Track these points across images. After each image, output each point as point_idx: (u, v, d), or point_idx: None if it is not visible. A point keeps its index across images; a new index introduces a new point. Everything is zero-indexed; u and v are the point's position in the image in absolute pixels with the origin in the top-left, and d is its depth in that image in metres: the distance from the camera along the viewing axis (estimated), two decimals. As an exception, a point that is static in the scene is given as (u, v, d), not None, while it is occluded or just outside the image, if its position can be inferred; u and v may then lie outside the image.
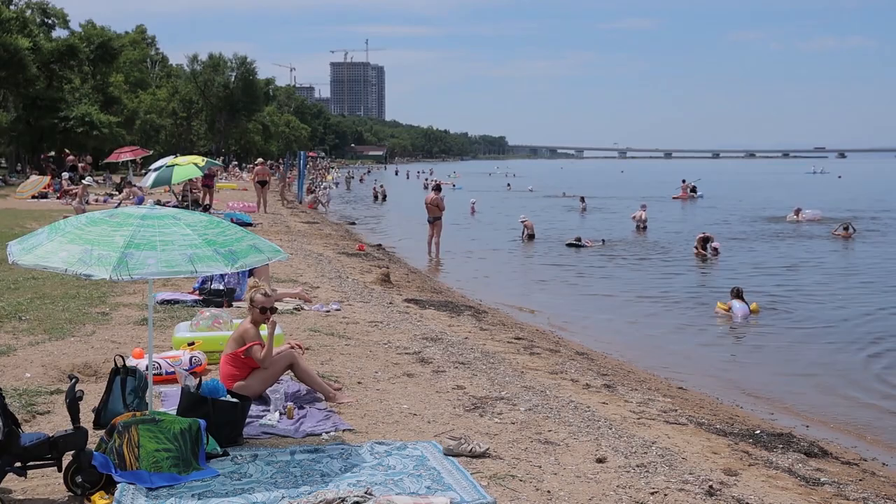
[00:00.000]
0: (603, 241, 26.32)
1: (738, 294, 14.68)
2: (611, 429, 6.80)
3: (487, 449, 5.93)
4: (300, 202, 40.78)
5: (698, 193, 53.71)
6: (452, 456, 5.79)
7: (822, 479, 6.10)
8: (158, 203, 16.11)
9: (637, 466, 5.84)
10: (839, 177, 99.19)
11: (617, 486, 5.42)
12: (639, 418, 7.38)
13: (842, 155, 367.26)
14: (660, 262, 22.34)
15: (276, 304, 10.33)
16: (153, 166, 24.95)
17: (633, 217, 32.19)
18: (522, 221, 28.19)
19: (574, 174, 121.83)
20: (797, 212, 34.91)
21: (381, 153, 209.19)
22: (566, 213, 40.43)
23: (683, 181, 55.15)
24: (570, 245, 25.40)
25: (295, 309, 11.20)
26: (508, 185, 72.59)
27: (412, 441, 6.15)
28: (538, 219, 32.95)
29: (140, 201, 26.52)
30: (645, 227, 31.01)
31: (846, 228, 27.85)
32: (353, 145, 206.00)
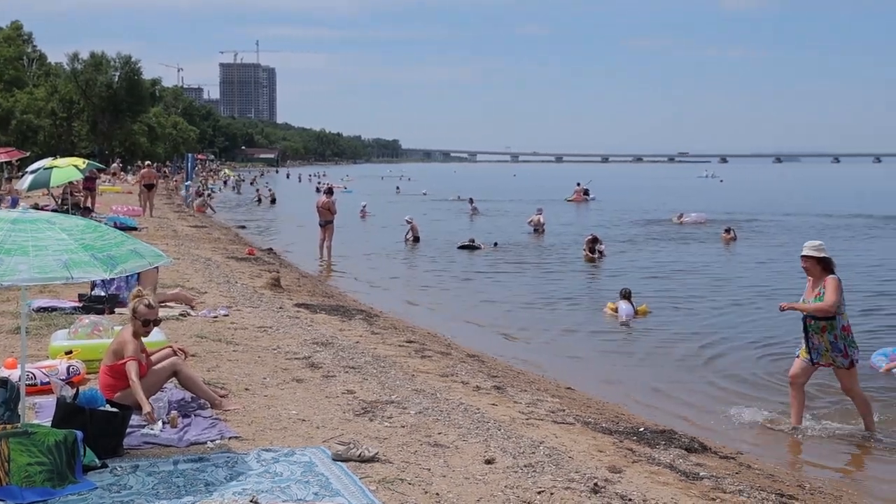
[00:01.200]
0: (495, 243, 26.59)
1: (626, 295, 15.05)
2: (500, 430, 6.86)
3: (377, 453, 5.90)
4: (188, 206, 39.90)
5: (591, 196, 54.87)
6: (341, 461, 5.74)
7: (701, 474, 6.29)
8: (35, 207, 15.47)
9: (525, 466, 5.90)
10: (721, 181, 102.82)
11: (505, 487, 5.47)
12: (527, 419, 7.47)
13: (723, 160, 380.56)
14: (553, 265, 22.73)
15: (161, 311, 10.07)
16: (30, 168, 23.99)
17: (530, 221, 32.58)
18: (408, 221, 28.17)
19: (467, 178, 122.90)
20: (680, 216, 36.08)
21: (272, 156, 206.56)
22: (459, 216, 40.75)
23: (578, 184, 56.27)
24: (462, 247, 25.58)
25: (181, 315, 10.93)
26: (398, 188, 72.69)
27: (300, 447, 6.07)
28: (432, 222, 33.14)
29: (14, 203, 25.44)
30: (542, 231, 31.46)
31: (728, 231, 28.88)
32: (243, 148, 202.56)
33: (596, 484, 5.61)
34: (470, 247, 25.51)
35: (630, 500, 5.40)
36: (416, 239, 27.60)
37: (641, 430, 7.70)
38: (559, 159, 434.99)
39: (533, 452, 6.27)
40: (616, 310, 14.90)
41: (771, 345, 12.64)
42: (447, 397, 7.93)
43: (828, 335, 8.28)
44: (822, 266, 8.34)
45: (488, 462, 5.95)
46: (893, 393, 10.13)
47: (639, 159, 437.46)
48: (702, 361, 11.84)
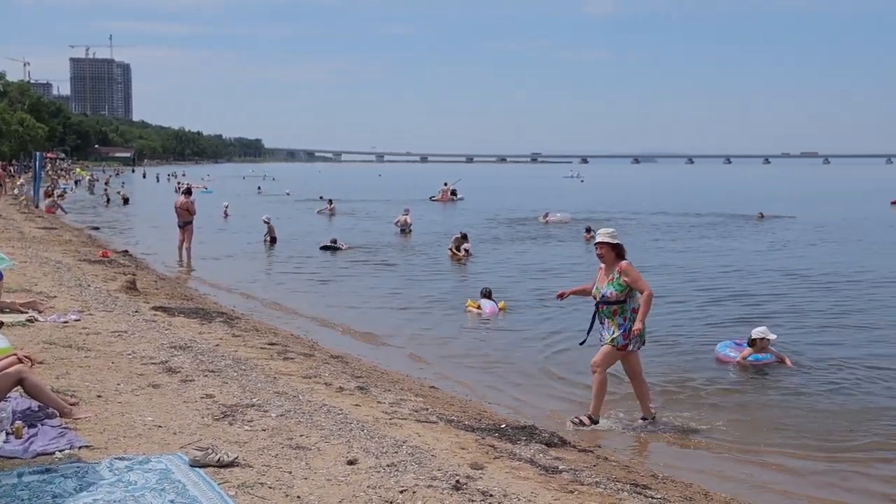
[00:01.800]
0: (352, 245, 26.43)
1: (487, 294, 15.29)
2: (363, 430, 6.83)
3: (236, 458, 5.77)
4: (36, 206, 38.10)
5: (458, 196, 55.36)
6: (199, 467, 5.58)
7: (560, 467, 6.43)
8: None
9: (388, 466, 5.89)
10: (582, 181, 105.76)
11: (367, 487, 5.44)
12: (391, 418, 7.47)
13: (584, 160, 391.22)
14: (420, 265, 22.82)
15: (6, 317, 9.57)
16: None
17: (396, 221, 32.57)
18: (266, 221, 27.69)
19: (332, 178, 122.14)
20: (545, 215, 36.90)
21: (128, 155, 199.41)
22: (322, 217, 40.45)
23: (445, 184, 56.66)
24: (325, 248, 25.38)
25: (28, 321, 10.40)
26: (259, 188, 71.63)
27: (156, 454, 5.87)
28: (293, 222, 32.71)
29: None
30: (409, 231, 31.51)
31: (588, 231, 29.70)
32: (97, 146, 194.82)
33: (458, 481, 5.66)
34: (332, 247, 25.33)
35: (491, 495, 5.47)
36: (274, 240, 27.13)
37: (503, 426, 7.82)
38: (424, 159, 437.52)
39: (396, 452, 6.27)
40: (478, 307, 15.13)
41: (650, 342, 13.05)
42: (310, 399, 7.84)
43: (618, 318, 8.48)
44: (616, 252, 8.57)
45: (351, 463, 5.92)
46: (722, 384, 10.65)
47: (502, 160, 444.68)
48: (564, 358, 12.11)
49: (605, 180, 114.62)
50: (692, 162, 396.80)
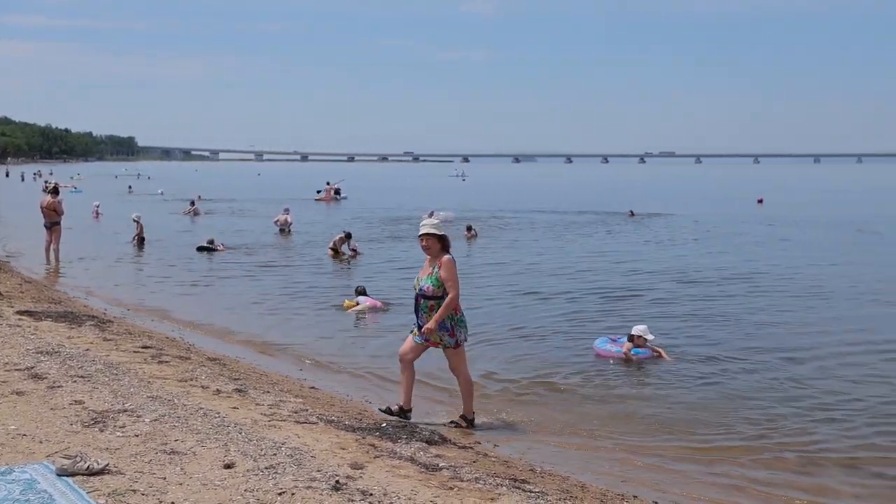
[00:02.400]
0: (230, 246, 25.96)
1: (361, 292, 15.42)
2: (241, 433, 6.71)
3: (107, 465, 5.58)
4: None
5: (342, 195, 55.04)
6: (67, 476, 5.37)
7: (440, 465, 6.47)
8: None
9: (266, 468, 5.81)
10: (463, 180, 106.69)
11: (245, 490, 5.35)
12: (270, 420, 7.36)
13: (465, 160, 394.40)
14: (301, 265, 22.57)
15: None
16: None
17: (276, 221, 32.10)
18: (136, 220, 26.85)
19: (209, 176, 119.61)
20: (430, 214, 37.03)
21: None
22: (199, 217, 39.57)
23: (328, 183, 56.23)
24: (201, 249, 24.82)
25: None
26: (130, 187, 69.61)
27: (20, 464, 5.62)
28: (168, 222, 31.85)
29: None
30: (289, 231, 31.10)
31: (469, 229, 29.96)
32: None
33: (338, 481, 5.63)
34: (209, 248, 24.80)
35: (371, 494, 5.46)
36: (142, 240, 26.33)
37: (384, 425, 7.81)
38: (305, 158, 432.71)
39: (274, 454, 6.19)
40: (356, 305, 15.16)
41: (522, 338, 13.27)
42: (185, 403, 7.65)
43: (435, 314, 8.24)
44: (442, 245, 8.38)
45: (227, 466, 5.81)
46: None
47: (384, 159, 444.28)
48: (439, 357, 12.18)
49: (486, 179, 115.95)
50: (571, 161, 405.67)
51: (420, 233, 8.54)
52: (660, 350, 11.95)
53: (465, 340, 8.50)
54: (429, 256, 8.47)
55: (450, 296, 8.21)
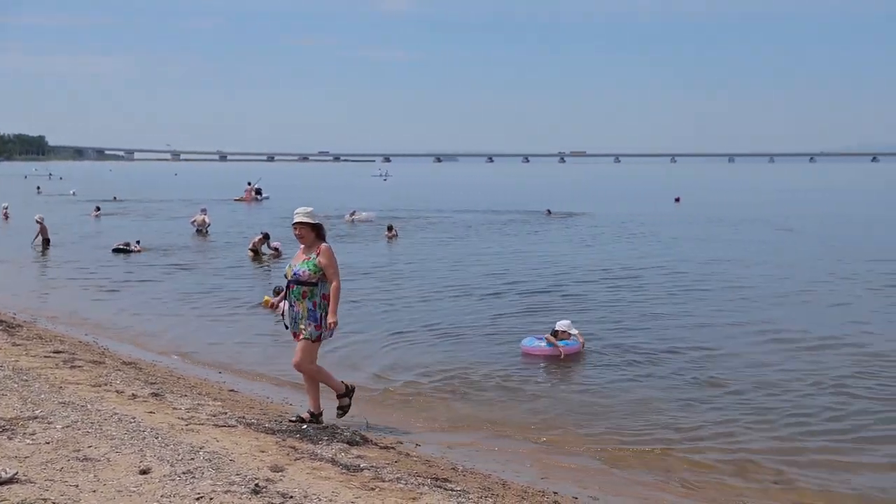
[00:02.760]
0: (147, 247, 25.43)
1: (279, 292, 15.25)
2: (157, 438, 6.58)
3: (16, 474, 5.40)
4: None
5: (263, 195, 54.37)
6: (-27, 486, 5.18)
7: (362, 465, 6.44)
8: None
9: (183, 473, 5.70)
10: (384, 179, 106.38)
11: (161, 496, 5.24)
12: (187, 424, 7.23)
13: (387, 159, 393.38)
14: (219, 266, 22.22)
15: None
16: None
17: (193, 221, 31.53)
18: (38, 221, 26.08)
19: (125, 176, 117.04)
20: (352, 213, 36.89)
21: None
22: (111, 218, 38.68)
23: (249, 183, 55.48)
24: (117, 250, 24.26)
25: None
26: (38, 187, 67.73)
27: (-77, 475, 5.40)
28: (79, 224, 31.00)
29: None
30: (206, 232, 30.57)
31: (390, 229, 29.91)
32: None
33: (257, 485, 5.55)
34: (125, 250, 24.25)
35: (291, 497, 5.40)
36: (48, 241, 25.58)
37: (304, 427, 7.74)
38: (223, 158, 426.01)
39: (192, 458, 6.08)
40: (272, 305, 15.08)
41: (443, 337, 13.29)
42: (99, 408, 7.46)
43: (307, 302, 8.03)
44: (316, 233, 8.24)
45: (143, 472, 5.68)
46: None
47: (304, 158, 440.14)
48: (376, 356, 12.14)
49: (408, 179, 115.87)
50: (492, 161, 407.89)
51: (293, 221, 8.35)
52: (582, 342, 12.14)
53: (327, 337, 8.19)
54: (303, 245, 8.28)
55: (334, 284, 8.06)
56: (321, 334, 8.08)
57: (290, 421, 8.05)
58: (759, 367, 11.41)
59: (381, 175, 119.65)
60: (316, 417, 8.22)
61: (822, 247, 26.52)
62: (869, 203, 53.16)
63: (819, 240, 29.02)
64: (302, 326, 8.06)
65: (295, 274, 8.11)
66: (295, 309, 8.11)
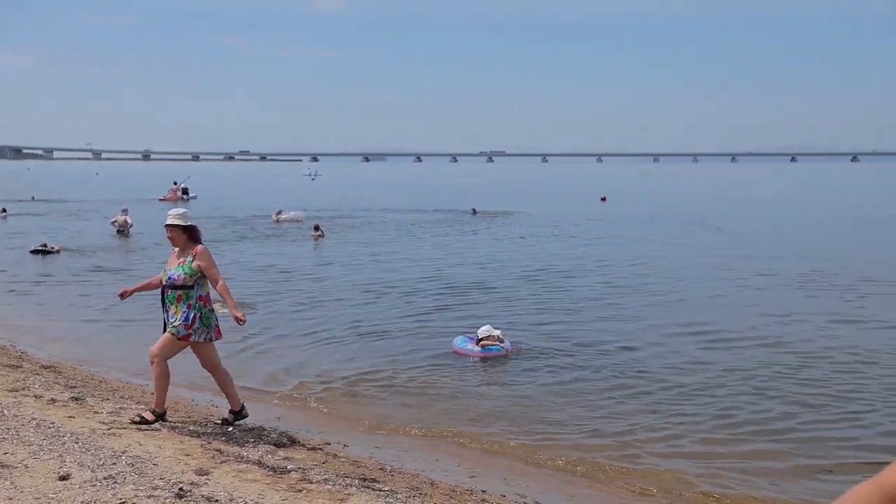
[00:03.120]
0: (66, 248, 24.81)
1: None
2: (77, 443, 6.43)
3: (-73, 483, 5.23)
4: None
5: (191, 195, 53.43)
6: None
7: (289, 467, 6.39)
8: None
9: (105, 479, 5.59)
10: (312, 179, 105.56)
11: (81, 502, 5.13)
12: (109, 429, 7.08)
13: (314, 159, 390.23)
14: (140, 267, 21.78)
15: None
16: None
17: (113, 222, 30.82)
18: None
19: (43, 176, 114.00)
20: (277, 213, 36.51)
21: None
22: (26, 219, 37.66)
23: (175, 183, 54.48)
24: (35, 252, 23.64)
25: None
26: None
27: None
28: None
29: None
30: (127, 232, 29.94)
31: (316, 229, 29.70)
32: None
33: (181, 489, 5.47)
34: (43, 251, 23.64)
35: (216, 500, 5.34)
36: None
37: (230, 429, 7.65)
38: (147, 157, 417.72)
39: (114, 463, 5.96)
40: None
41: (370, 337, 13.25)
42: (16, 413, 7.27)
43: (182, 304, 7.75)
44: (189, 235, 7.97)
45: (63, 478, 5.55)
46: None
47: (230, 158, 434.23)
48: (303, 357, 12.05)
49: (336, 178, 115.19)
50: (420, 160, 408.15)
51: (166, 223, 8.06)
52: (515, 348, 12.21)
53: (199, 340, 7.82)
54: (176, 248, 8.00)
55: (220, 284, 7.83)
56: (189, 333, 7.71)
57: (132, 420, 7.61)
58: (683, 364, 11.62)
59: (310, 174, 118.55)
60: (159, 416, 7.71)
61: (741, 245, 27.14)
62: (788, 202, 54.60)
63: (739, 238, 29.68)
64: (175, 323, 7.73)
65: (169, 278, 7.82)
66: (170, 313, 7.79)
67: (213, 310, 7.98)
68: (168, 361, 7.80)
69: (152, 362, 7.80)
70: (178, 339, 7.72)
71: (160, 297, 7.93)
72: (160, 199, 51.13)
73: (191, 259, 7.83)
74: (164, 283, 7.88)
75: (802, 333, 13.51)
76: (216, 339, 7.99)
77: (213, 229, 31.91)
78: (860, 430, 8.99)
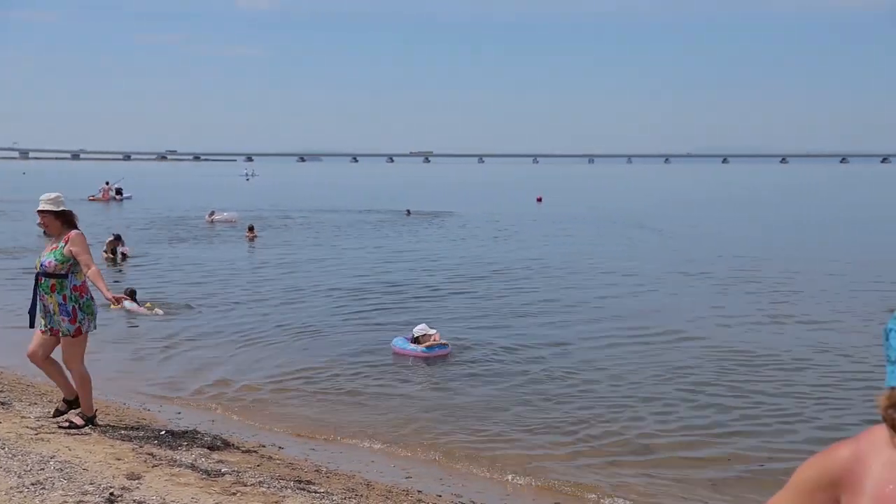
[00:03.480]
0: None
1: (131, 295, 14.99)
2: (3, 448, 6.29)
3: None
4: None
5: (125, 195, 52.43)
6: None
7: (223, 470, 6.34)
8: None
9: (32, 485, 5.47)
10: (247, 179, 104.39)
11: (8, 510, 5.02)
12: (37, 434, 6.94)
13: (249, 158, 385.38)
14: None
15: None
16: None
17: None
18: None
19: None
20: (211, 214, 36.03)
21: None
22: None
23: (107, 183, 53.41)
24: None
25: None
26: None
27: None
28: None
29: None
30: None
31: (251, 230, 29.39)
32: None
33: (112, 493, 5.39)
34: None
35: (148, 505, 5.27)
36: None
37: (163, 433, 7.55)
38: (77, 156, 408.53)
39: (42, 469, 5.84)
40: (118, 300, 14.75)
41: (306, 338, 13.17)
42: (-61, 420, 7.07)
43: (57, 295, 7.35)
44: (63, 220, 7.61)
45: (-12, 485, 5.42)
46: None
47: (163, 157, 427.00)
48: (236, 359, 11.94)
49: (272, 179, 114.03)
50: (357, 160, 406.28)
51: (37, 209, 7.70)
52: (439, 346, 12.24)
53: (90, 330, 7.54)
54: (51, 236, 7.66)
55: (92, 270, 7.40)
56: (79, 326, 7.40)
57: (60, 426, 7.37)
58: (618, 365, 11.75)
59: (246, 174, 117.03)
60: (89, 420, 7.52)
61: (675, 244, 27.60)
62: (719, 202, 55.63)
63: (672, 238, 30.17)
64: (57, 324, 7.37)
65: (42, 265, 7.46)
66: (45, 303, 7.41)
67: (92, 298, 7.58)
68: (107, 362, 7.66)
69: (70, 370, 7.48)
70: (73, 336, 7.38)
71: (34, 283, 7.50)
72: (90, 199, 50.06)
73: (63, 244, 7.45)
74: (37, 269, 7.48)
75: (733, 333, 13.81)
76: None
77: (147, 230, 31.42)
78: (791, 426, 9.21)
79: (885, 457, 1.85)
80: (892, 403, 1.85)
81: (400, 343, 12.29)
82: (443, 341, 12.15)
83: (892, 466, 1.83)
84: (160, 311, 15.06)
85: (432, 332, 12.20)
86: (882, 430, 1.89)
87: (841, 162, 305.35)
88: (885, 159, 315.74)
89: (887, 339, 1.88)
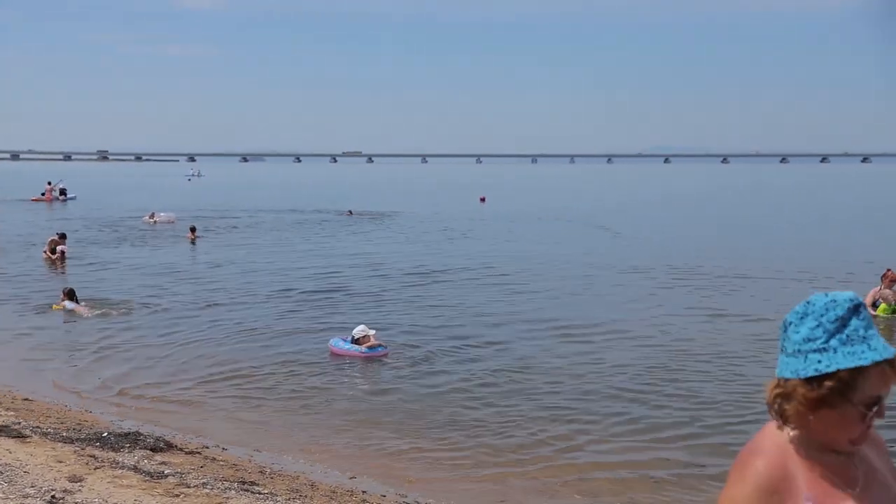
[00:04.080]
0: None
1: (70, 295, 14.90)
2: (-59, 453, 6.22)
3: None
4: None
5: (70, 195, 51.51)
6: None
7: (166, 472, 6.36)
8: None
9: (-28, 489, 5.44)
10: (189, 179, 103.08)
11: (-53, 515, 4.99)
12: (-25, 438, 6.87)
13: (191, 158, 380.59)
14: (5, 268, 20.97)
15: None
16: None
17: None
18: None
19: None
20: (151, 215, 35.58)
21: None
22: None
23: (49, 183, 52.42)
24: None
25: None
26: None
27: None
28: None
29: None
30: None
31: (192, 230, 29.10)
32: None
33: (53, 496, 5.39)
34: None
35: (91, 507, 5.27)
36: None
37: (105, 435, 7.53)
38: (16, 157, 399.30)
39: (-19, 473, 5.80)
40: (63, 308, 14.75)
41: (244, 338, 13.14)
42: None
43: None
44: None
45: (-72, 490, 5.38)
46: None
47: (105, 157, 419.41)
48: (174, 360, 11.87)
49: (215, 179, 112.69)
50: (300, 161, 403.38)
51: None
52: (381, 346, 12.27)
53: None
54: None
55: None
56: None
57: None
58: (558, 363, 11.89)
59: (192, 175, 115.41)
60: None
61: (617, 242, 27.94)
62: (661, 203, 56.42)
63: (616, 237, 30.52)
64: None
65: None
66: None
67: None
68: (48, 365, 7.61)
69: None
70: None
71: None
72: (33, 200, 49.16)
73: None
74: None
75: (678, 329, 14.00)
76: None
77: (88, 230, 30.94)
78: (733, 425, 9.41)
79: (798, 461, 1.94)
80: (781, 393, 1.96)
81: (338, 343, 12.30)
82: (380, 342, 12.22)
83: (812, 478, 1.93)
84: (99, 312, 14.93)
85: (371, 332, 12.25)
86: (772, 427, 2.00)
87: (781, 162, 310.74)
88: (824, 159, 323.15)
89: (785, 332, 2.00)
